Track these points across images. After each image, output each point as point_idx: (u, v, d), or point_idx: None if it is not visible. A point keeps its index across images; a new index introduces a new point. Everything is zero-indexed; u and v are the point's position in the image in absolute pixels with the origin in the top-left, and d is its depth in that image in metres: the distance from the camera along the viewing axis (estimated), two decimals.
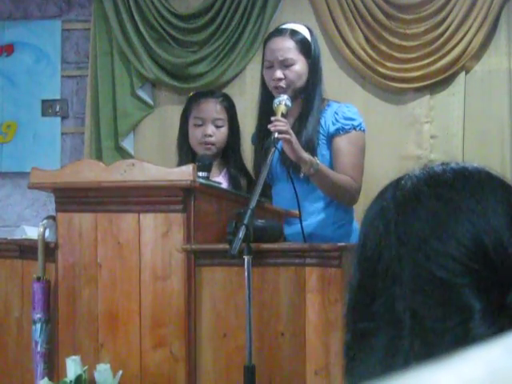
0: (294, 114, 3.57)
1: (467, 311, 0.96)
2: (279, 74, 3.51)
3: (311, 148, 3.43)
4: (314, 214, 3.51)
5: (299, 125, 3.52)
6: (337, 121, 3.50)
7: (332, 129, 3.50)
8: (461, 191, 1.03)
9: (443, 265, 0.98)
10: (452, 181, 1.05)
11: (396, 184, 1.08)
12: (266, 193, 3.68)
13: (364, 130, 3.57)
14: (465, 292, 0.97)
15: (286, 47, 3.53)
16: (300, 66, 3.54)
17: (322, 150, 3.51)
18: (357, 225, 3.65)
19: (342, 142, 3.50)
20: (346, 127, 3.50)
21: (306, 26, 3.70)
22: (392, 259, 1.01)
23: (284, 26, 3.63)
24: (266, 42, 3.64)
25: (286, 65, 3.52)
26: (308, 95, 3.55)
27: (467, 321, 0.95)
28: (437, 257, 0.99)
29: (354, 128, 3.52)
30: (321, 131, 3.51)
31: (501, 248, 0.99)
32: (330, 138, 3.51)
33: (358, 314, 1.03)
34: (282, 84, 3.51)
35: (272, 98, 3.43)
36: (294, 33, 3.57)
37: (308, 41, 3.58)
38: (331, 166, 3.48)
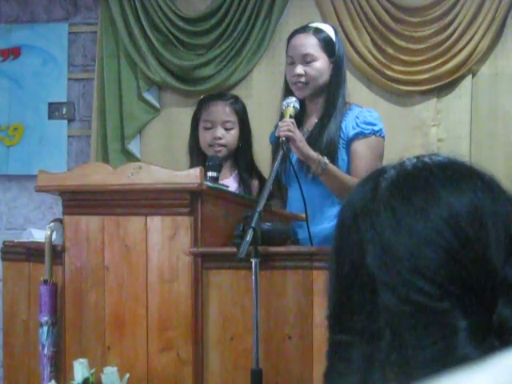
0: (316, 115, 3.54)
1: (451, 329, 0.89)
2: (299, 69, 3.47)
3: (332, 151, 3.39)
4: (330, 218, 3.47)
5: (321, 126, 3.47)
6: (357, 125, 3.45)
7: (352, 133, 3.45)
8: (432, 189, 0.93)
9: (419, 288, 0.90)
10: (426, 180, 0.95)
11: (371, 186, 0.98)
12: (283, 195, 3.66)
13: (384, 137, 3.51)
14: (446, 315, 0.89)
15: (308, 43, 3.49)
16: (321, 63, 3.49)
17: (342, 154, 3.45)
18: None
19: (359, 145, 3.44)
20: (366, 132, 3.45)
21: (331, 25, 3.68)
22: (368, 278, 0.93)
23: (309, 24, 3.60)
24: (289, 39, 3.60)
25: (306, 61, 3.47)
26: (330, 95, 3.50)
27: (450, 338, 0.89)
28: (412, 278, 0.90)
29: (374, 133, 3.46)
30: (341, 135, 3.46)
31: (481, 262, 0.90)
32: (349, 142, 3.45)
33: (337, 326, 0.98)
34: (302, 79, 3.47)
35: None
36: (317, 30, 3.53)
37: (332, 40, 3.53)
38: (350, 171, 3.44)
